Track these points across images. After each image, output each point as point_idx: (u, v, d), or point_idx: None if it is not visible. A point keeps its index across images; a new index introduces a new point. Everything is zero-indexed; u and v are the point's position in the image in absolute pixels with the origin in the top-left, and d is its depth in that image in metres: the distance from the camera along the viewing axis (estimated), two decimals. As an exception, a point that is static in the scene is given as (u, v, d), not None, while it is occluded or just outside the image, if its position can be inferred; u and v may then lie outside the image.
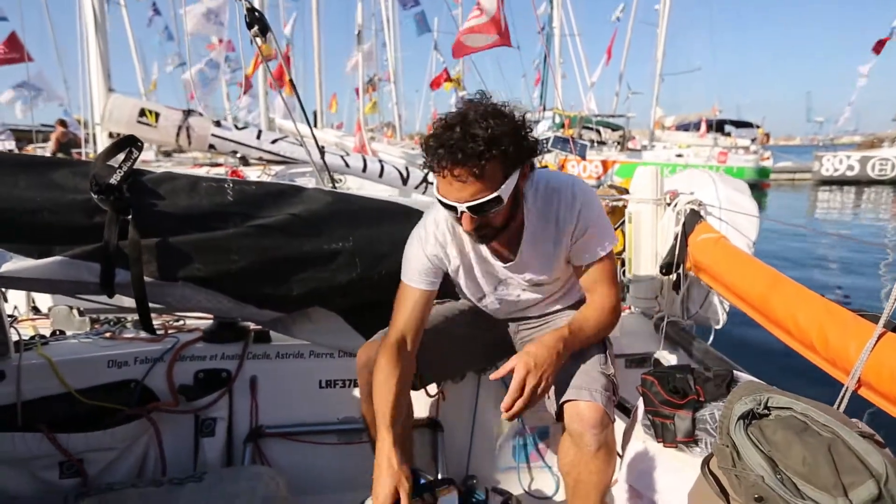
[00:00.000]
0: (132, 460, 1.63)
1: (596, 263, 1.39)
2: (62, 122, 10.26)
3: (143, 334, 1.85)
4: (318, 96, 14.54)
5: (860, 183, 19.06)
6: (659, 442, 1.29)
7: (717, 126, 22.85)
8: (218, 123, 3.95)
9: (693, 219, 1.90)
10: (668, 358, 1.84)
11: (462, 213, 1.18)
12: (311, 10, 13.27)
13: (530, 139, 1.21)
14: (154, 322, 2.03)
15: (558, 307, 1.59)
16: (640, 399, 1.39)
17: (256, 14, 1.88)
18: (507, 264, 1.41)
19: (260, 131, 4.11)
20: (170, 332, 1.92)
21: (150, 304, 1.48)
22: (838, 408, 1.13)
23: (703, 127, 22.31)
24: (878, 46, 15.63)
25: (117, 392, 1.66)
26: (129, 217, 1.35)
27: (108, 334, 1.90)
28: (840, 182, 19.57)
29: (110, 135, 3.92)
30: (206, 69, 11.06)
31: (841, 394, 1.14)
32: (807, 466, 0.84)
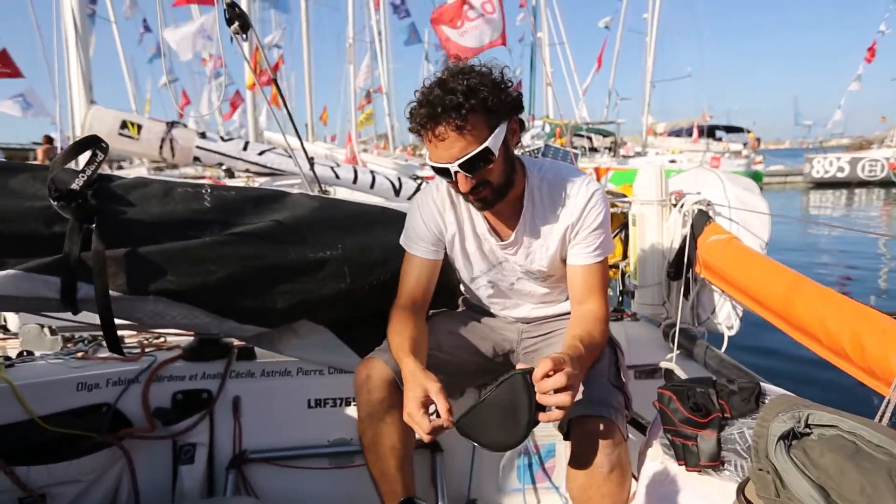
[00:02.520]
0: (102, 493, 1.49)
1: (590, 268, 1.34)
2: (48, 139, 10.18)
3: None
4: (309, 109, 14.44)
5: (850, 184, 19.15)
6: (680, 465, 1.17)
7: (709, 132, 23.04)
8: (203, 135, 3.83)
9: (701, 219, 1.80)
10: (681, 368, 1.72)
11: (456, 173, 1.17)
12: (300, 23, 13.23)
13: (512, 92, 1.20)
14: (131, 340, 1.92)
15: (561, 313, 1.50)
16: (658, 415, 1.27)
17: (237, 10, 1.78)
18: (502, 242, 1.37)
19: (247, 142, 4.00)
20: (147, 350, 1.79)
21: (123, 322, 1.36)
22: (879, 422, 1.02)
23: (696, 132, 22.47)
24: (870, 54, 15.82)
25: (86, 418, 1.53)
26: (94, 226, 1.23)
27: (80, 354, 1.77)
28: (831, 184, 19.66)
29: (92, 147, 3.79)
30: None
31: (882, 406, 1.02)
32: (866, 497, 0.73)
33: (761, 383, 1.19)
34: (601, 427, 1.16)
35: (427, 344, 1.33)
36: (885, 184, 18.36)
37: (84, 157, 1.31)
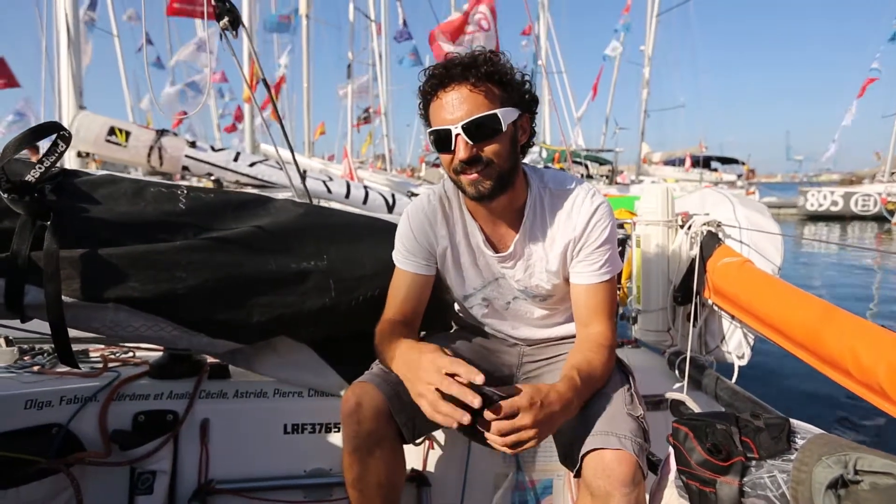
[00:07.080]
0: None
1: (596, 288, 1.24)
2: (35, 148, 10.09)
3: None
4: (307, 127, 14.43)
5: (844, 218, 19.24)
6: (697, 510, 1.03)
7: (704, 162, 23.31)
8: (193, 144, 3.76)
9: (711, 241, 1.69)
10: (689, 399, 1.59)
11: (457, 136, 1.09)
12: (301, 43, 13.32)
13: (528, 86, 1.17)
14: (95, 354, 1.77)
15: (565, 336, 1.39)
16: (671, 452, 1.14)
17: (226, 4, 1.68)
18: (499, 254, 1.27)
19: (238, 153, 3.93)
20: (111, 366, 1.65)
21: (86, 334, 1.24)
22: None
23: (688, 162, 22.74)
24: (862, 90, 16.25)
25: (33, 439, 1.38)
26: (48, 223, 1.11)
27: (35, 368, 1.63)
28: (825, 217, 19.74)
29: (79, 154, 3.71)
30: (187, 90, 10.93)
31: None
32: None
33: (790, 419, 1.06)
34: (620, 461, 1.03)
35: None
36: (877, 218, 18.48)
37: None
